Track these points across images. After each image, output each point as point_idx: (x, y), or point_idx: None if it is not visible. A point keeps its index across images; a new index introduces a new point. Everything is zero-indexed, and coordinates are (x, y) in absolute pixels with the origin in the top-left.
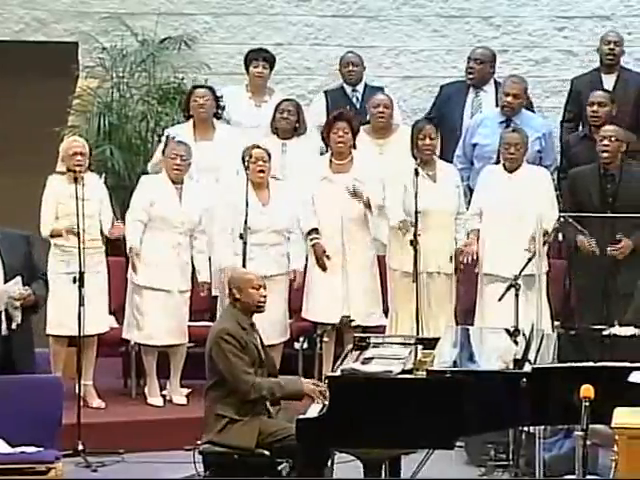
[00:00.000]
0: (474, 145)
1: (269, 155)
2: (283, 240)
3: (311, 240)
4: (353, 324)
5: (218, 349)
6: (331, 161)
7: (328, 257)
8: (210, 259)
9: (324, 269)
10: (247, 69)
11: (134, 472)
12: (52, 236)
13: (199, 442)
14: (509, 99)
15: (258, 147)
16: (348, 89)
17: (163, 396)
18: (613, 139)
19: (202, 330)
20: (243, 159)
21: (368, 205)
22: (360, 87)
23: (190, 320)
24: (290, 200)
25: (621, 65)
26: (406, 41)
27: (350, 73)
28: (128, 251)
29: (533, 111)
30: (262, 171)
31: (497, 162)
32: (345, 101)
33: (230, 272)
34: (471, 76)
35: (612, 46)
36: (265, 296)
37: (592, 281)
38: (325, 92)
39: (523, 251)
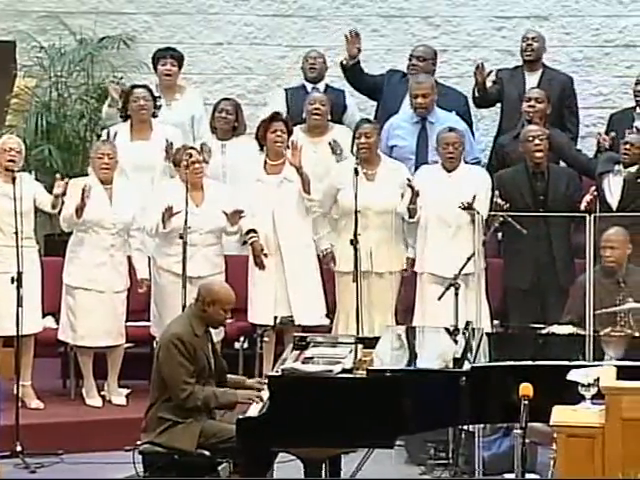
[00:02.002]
0: (392, 147)
1: (202, 156)
2: (218, 240)
3: (249, 239)
4: (298, 322)
5: (165, 353)
6: (266, 162)
7: (266, 255)
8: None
9: (262, 267)
10: (155, 68)
11: (73, 473)
12: None
13: (139, 442)
14: (419, 100)
15: (191, 148)
16: (309, 87)
17: (102, 397)
18: (543, 138)
19: (140, 330)
20: (174, 160)
21: (306, 183)
22: (321, 86)
23: (128, 320)
24: (225, 201)
25: (545, 64)
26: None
27: (312, 66)
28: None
29: (470, 113)
30: (199, 172)
31: (418, 163)
32: (304, 97)
33: (212, 285)
34: (415, 73)
35: (530, 42)
36: (227, 319)
37: (529, 279)
38: (285, 90)
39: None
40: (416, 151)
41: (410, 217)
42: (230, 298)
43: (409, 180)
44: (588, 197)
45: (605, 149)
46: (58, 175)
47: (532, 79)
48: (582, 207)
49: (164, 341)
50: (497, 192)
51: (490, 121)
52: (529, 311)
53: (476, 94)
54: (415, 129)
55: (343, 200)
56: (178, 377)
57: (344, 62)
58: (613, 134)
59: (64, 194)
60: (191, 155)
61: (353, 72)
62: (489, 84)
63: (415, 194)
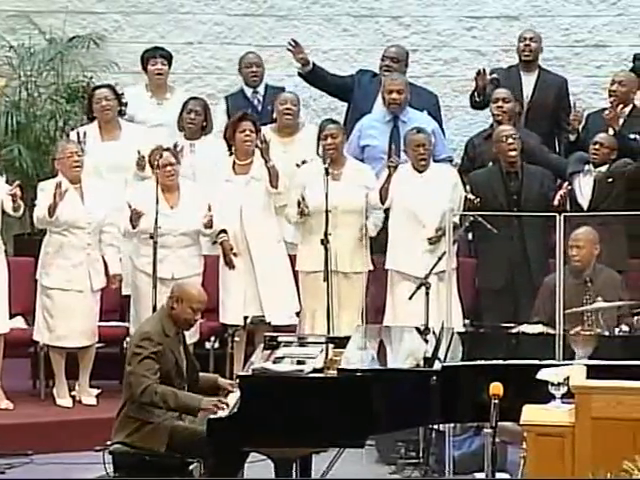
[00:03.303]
0: (363, 147)
1: (176, 157)
2: (194, 242)
3: (219, 239)
4: (269, 320)
5: (133, 350)
6: (234, 162)
7: (235, 255)
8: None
9: (231, 267)
10: (145, 68)
11: (43, 473)
12: None
13: (109, 443)
14: (394, 95)
15: (165, 150)
16: (248, 92)
17: (72, 397)
18: (516, 137)
19: (111, 330)
20: (150, 161)
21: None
22: (261, 89)
23: (100, 320)
24: (200, 202)
25: (541, 66)
26: (316, 40)
27: (254, 74)
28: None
29: (440, 112)
30: (171, 175)
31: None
32: (246, 104)
33: (183, 284)
34: (388, 74)
35: (527, 42)
36: (196, 320)
37: (500, 279)
38: (226, 97)
39: (426, 240)
40: (388, 151)
41: (382, 202)
42: (199, 297)
43: (389, 157)
44: (561, 192)
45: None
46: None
47: (528, 79)
48: (555, 203)
49: (133, 339)
50: (468, 188)
51: (460, 120)
52: (502, 311)
53: (476, 98)
54: (387, 128)
55: (309, 200)
56: (137, 371)
57: (300, 71)
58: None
59: (21, 197)
60: (162, 156)
61: (313, 77)
62: (489, 87)
63: (393, 171)
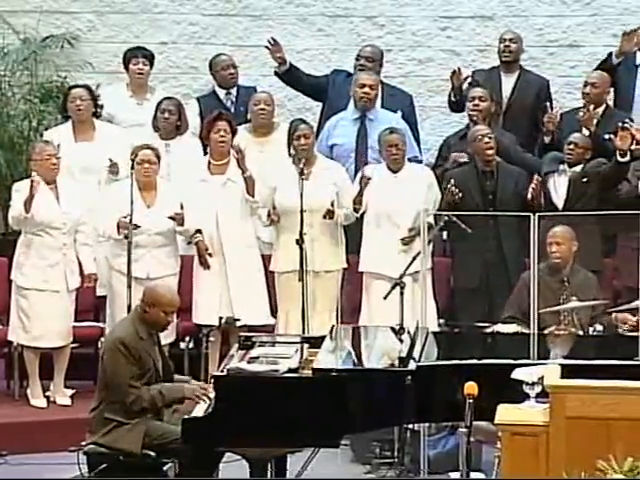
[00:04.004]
0: (332, 146)
1: (158, 157)
2: (170, 242)
3: (195, 239)
4: (238, 324)
5: (110, 357)
6: (210, 162)
7: (210, 255)
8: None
9: (206, 267)
10: (126, 68)
11: (17, 473)
12: None
13: (83, 443)
14: (366, 89)
15: (148, 148)
16: (221, 93)
17: (47, 397)
18: (491, 136)
19: (86, 331)
20: (132, 159)
21: (250, 185)
22: (233, 90)
23: (74, 321)
24: (176, 202)
25: (522, 67)
26: (291, 40)
27: (232, 76)
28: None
29: (414, 112)
30: (147, 173)
31: (358, 160)
32: (218, 105)
33: (155, 287)
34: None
35: (507, 43)
36: (169, 323)
37: (475, 278)
38: (197, 99)
39: (400, 242)
40: (355, 148)
41: (355, 211)
42: (172, 302)
43: (362, 171)
44: (532, 186)
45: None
46: None
47: (508, 80)
48: (528, 197)
49: (108, 344)
50: (452, 181)
51: (435, 120)
52: (477, 310)
53: (452, 98)
54: (355, 126)
55: (281, 200)
56: (123, 381)
57: (277, 70)
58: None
59: None
60: (145, 154)
61: (289, 77)
62: (465, 86)
63: (365, 185)
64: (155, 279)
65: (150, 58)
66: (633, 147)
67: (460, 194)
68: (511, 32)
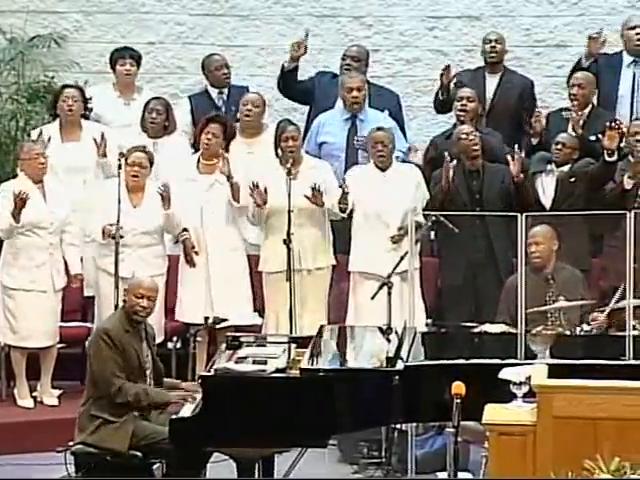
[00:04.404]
0: (321, 145)
1: (151, 161)
2: (157, 241)
3: (182, 237)
4: (225, 324)
5: (94, 348)
6: (199, 161)
7: (197, 253)
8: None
9: (192, 265)
10: (113, 68)
11: (4, 474)
12: None
13: (71, 443)
14: (354, 93)
15: (140, 151)
16: (213, 92)
17: (34, 397)
18: (476, 135)
19: (73, 331)
20: (120, 159)
21: (236, 191)
22: (225, 89)
23: (61, 321)
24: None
25: (507, 67)
26: (278, 40)
27: (226, 75)
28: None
29: (402, 112)
30: (135, 176)
31: (348, 160)
32: (210, 105)
33: (137, 276)
34: (347, 73)
35: (493, 44)
36: (145, 307)
37: (462, 278)
38: (189, 97)
39: (389, 239)
40: (346, 148)
41: (342, 212)
42: (142, 284)
43: (343, 181)
44: (514, 161)
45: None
46: None
47: (492, 80)
48: (514, 174)
49: (93, 337)
50: (446, 154)
51: (423, 120)
52: (464, 310)
53: (440, 97)
54: (345, 126)
55: (269, 200)
56: (107, 371)
57: (285, 65)
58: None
59: None
60: (128, 156)
61: (288, 77)
62: (451, 86)
63: (344, 196)
64: None
65: (137, 59)
66: (622, 144)
67: (454, 162)
68: (495, 33)
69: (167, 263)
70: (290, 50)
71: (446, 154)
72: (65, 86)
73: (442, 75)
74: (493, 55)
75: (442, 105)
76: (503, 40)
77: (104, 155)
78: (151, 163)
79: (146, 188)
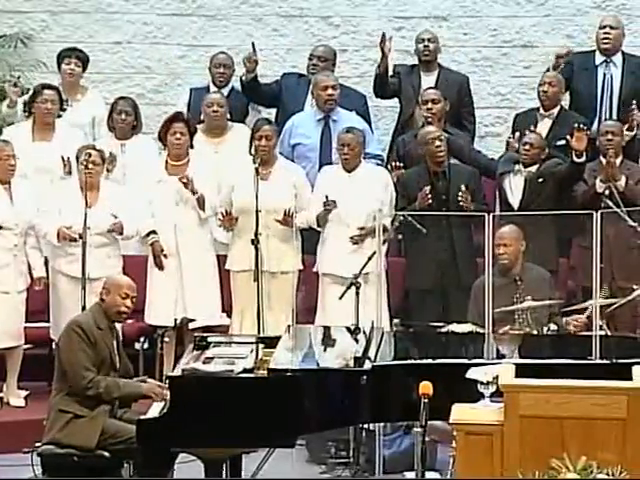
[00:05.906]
0: (294, 146)
1: (103, 159)
2: (111, 242)
3: (150, 240)
4: (193, 325)
5: (65, 340)
6: (167, 162)
7: (165, 256)
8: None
9: (161, 268)
10: (59, 68)
11: None
12: None
13: (39, 442)
14: (330, 91)
15: (93, 149)
16: (213, 89)
17: (0, 399)
18: (443, 138)
19: (39, 331)
20: (77, 159)
21: (201, 203)
22: (225, 90)
23: (26, 321)
24: (119, 203)
25: (440, 64)
26: (245, 40)
27: (221, 75)
28: None
29: (369, 112)
30: (90, 175)
31: (322, 161)
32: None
33: (111, 275)
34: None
35: (426, 43)
36: (129, 307)
37: (429, 278)
38: (190, 90)
39: (349, 240)
40: (319, 150)
41: (318, 226)
42: (128, 283)
43: (327, 197)
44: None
45: (516, 151)
46: None
47: (428, 79)
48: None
49: (64, 329)
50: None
51: (390, 120)
52: (431, 310)
53: (377, 76)
54: (318, 127)
55: (237, 199)
56: (79, 364)
57: (243, 79)
58: (518, 134)
59: None
60: (90, 155)
61: (251, 86)
62: (390, 72)
63: (327, 212)
64: (95, 279)
65: (84, 60)
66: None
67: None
68: (428, 32)
69: (122, 263)
70: (243, 65)
71: (426, 189)
72: (45, 86)
73: (381, 43)
74: (427, 53)
75: (381, 89)
76: (436, 39)
77: (69, 173)
78: (103, 160)
79: (101, 189)
